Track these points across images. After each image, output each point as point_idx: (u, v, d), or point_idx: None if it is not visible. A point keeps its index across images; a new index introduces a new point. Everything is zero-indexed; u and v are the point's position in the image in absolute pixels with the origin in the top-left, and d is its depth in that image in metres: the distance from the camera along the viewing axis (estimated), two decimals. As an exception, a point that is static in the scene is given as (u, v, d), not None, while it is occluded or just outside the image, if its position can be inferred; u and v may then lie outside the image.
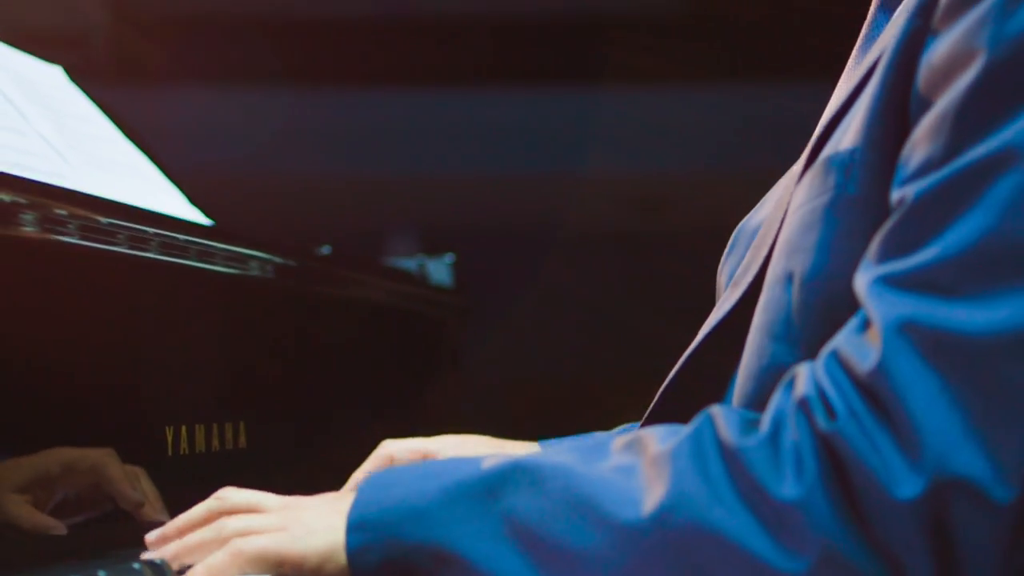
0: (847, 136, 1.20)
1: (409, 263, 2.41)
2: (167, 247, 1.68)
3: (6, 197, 1.39)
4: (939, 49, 1.11)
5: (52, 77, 2.07)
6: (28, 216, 1.43)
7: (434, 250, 2.42)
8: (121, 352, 1.59)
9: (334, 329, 2.13)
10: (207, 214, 2.13)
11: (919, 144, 1.10)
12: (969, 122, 1.06)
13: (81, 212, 1.51)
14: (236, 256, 1.85)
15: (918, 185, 1.08)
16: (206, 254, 1.77)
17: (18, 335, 1.41)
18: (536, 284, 3.90)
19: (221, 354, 1.83)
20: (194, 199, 2.11)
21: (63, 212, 1.48)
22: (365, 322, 2.21)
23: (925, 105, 1.11)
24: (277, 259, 1.95)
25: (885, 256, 1.09)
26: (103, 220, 1.54)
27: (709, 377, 1.30)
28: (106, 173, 1.90)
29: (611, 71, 4.61)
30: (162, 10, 7.58)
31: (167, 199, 2.03)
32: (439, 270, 2.39)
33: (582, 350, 4.00)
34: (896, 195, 1.10)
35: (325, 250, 2.27)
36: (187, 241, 1.71)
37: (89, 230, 1.53)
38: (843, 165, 1.18)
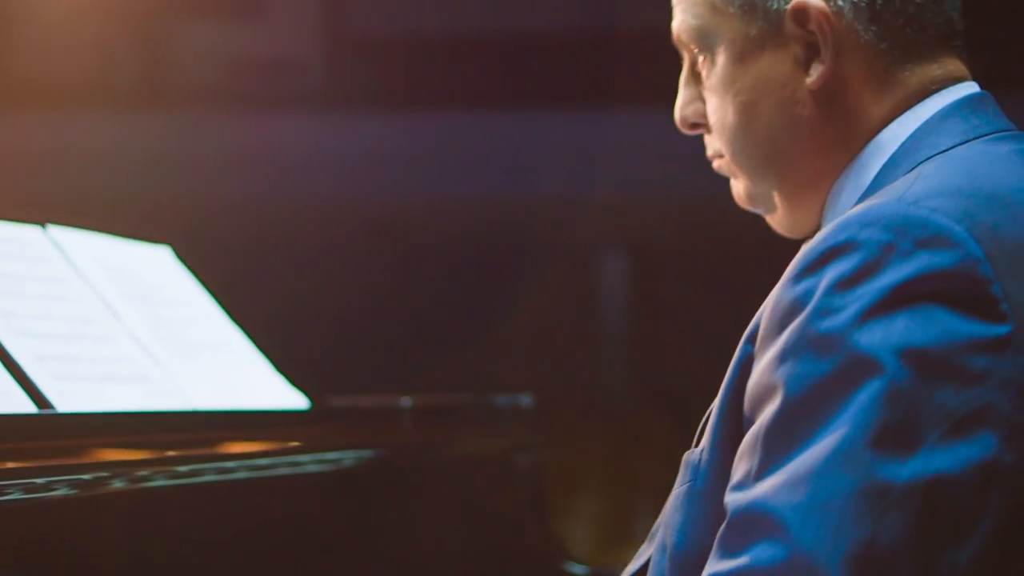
0: (704, 436, 1.43)
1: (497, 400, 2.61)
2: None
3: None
4: (755, 376, 1.33)
5: (156, 261, 2.33)
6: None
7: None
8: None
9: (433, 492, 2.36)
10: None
11: (740, 459, 1.31)
12: (772, 449, 1.27)
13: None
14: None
15: (735, 500, 1.29)
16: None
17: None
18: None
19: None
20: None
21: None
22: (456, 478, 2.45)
23: (750, 422, 1.33)
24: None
25: (716, 560, 1.29)
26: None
27: None
28: (194, 359, 2.16)
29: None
30: (376, 35, 7.89)
31: (256, 373, 2.29)
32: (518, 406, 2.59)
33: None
34: (725, 501, 1.31)
35: (406, 402, 2.50)
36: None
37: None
38: (695, 463, 1.41)
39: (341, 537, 2.17)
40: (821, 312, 1.28)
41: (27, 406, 1.83)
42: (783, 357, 1.29)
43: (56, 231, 2.15)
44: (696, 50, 1.59)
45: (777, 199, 1.59)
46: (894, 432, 1.24)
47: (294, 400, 2.32)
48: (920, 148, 1.49)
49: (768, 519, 1.25)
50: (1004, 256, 1.31)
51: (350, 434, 2.30)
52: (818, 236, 1.34)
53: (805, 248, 1.35)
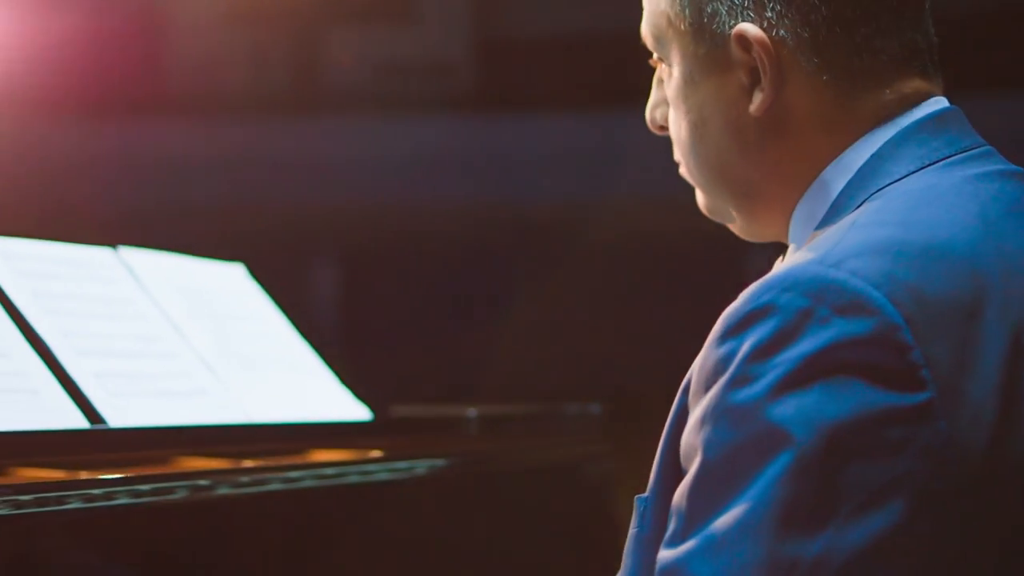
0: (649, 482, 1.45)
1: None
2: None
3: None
4: (685, 432, 1.34)
5: (228, 278, 2.45)
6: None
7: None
8: None
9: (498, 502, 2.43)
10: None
11: (672, 515, 1.33)
12: (693, 511, 1.29)
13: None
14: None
15: (663, 557, 1.31)
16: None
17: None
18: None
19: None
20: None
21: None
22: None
23: (685, 473, 1.34)
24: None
25: None
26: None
27: None
28: (256, 373, 2.26)
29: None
30: (527, 37, 7.95)
31: (319, 386, 2.39)
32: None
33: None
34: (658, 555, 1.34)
35: (471, 413, 2.57)
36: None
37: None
38: (641, 509, 1.43)
39: (402, 548, 2.25)
40: (738, 380, 1.29)
41: (79, 421, 1.94)
42: (703, 420, 1.31)
43: (127, 252, 2.27)
44: (658, 56, 1.59)
45: (735, 213, 1.58)
46: (802, 507, 1.25)
47: (356, 411, 2.41)
48: (875, 176, 1.47)
49: None
50: (927, 317, 1.30)
51: (410, 445, 2.38)
52: (742, 296, 1.34)
53: (730, 308, 1.34)
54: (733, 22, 1.50)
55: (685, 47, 1.54)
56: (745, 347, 1.29)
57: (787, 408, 1.26)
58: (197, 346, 2.21)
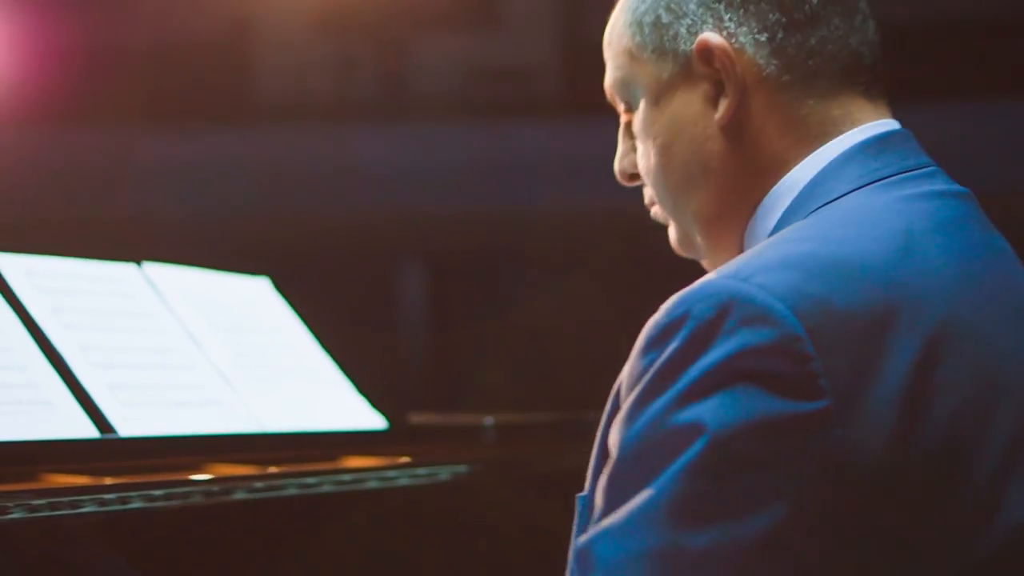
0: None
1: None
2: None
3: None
4: (611, 432, 1.43)
5: (252, 291, 2.55)
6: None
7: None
8: None
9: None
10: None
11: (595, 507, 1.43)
12: (607, 501, 1.39)
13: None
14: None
15: (577, 543, 1.42)
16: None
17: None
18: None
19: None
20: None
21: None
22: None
23: None
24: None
25: None
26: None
27: None
28: (271, 382, 2.36)
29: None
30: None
31: (335, 394, 2.48)
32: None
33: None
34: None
35: (488, 421, 2.65)
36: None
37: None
38: (580, 508, 1.51)
39: (423, 552, 2.33)
40: (654, 389, 1.38)
41: (90, 431, 2.05)
42: (623, 423, 1.40)
43: (150, 268, 2.38)
44: (624, 103, 1.68)
45: (699, 239, 1.66)
46: (696, 503, 1.34)
47: (372, 420, 2.50)
48: (816, 195, 1.55)
49: (591, 562, 1.38)
50: (833, 329, 1.37)
51: (422, 454, 2.46)
52: (663, 307, 1.42)
53: (652, 319, 1.43)
54: (693, 38, 1.60)
55: (649, 75, 1.64)
56: (662, 358, 1.39)
57: (692, 413, 1.35)
58: (214, 358, 2.31)
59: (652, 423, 1.37)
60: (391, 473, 2.34)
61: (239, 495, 2.11)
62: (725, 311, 1.37)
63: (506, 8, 8.46)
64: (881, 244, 1.45)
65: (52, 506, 1.85)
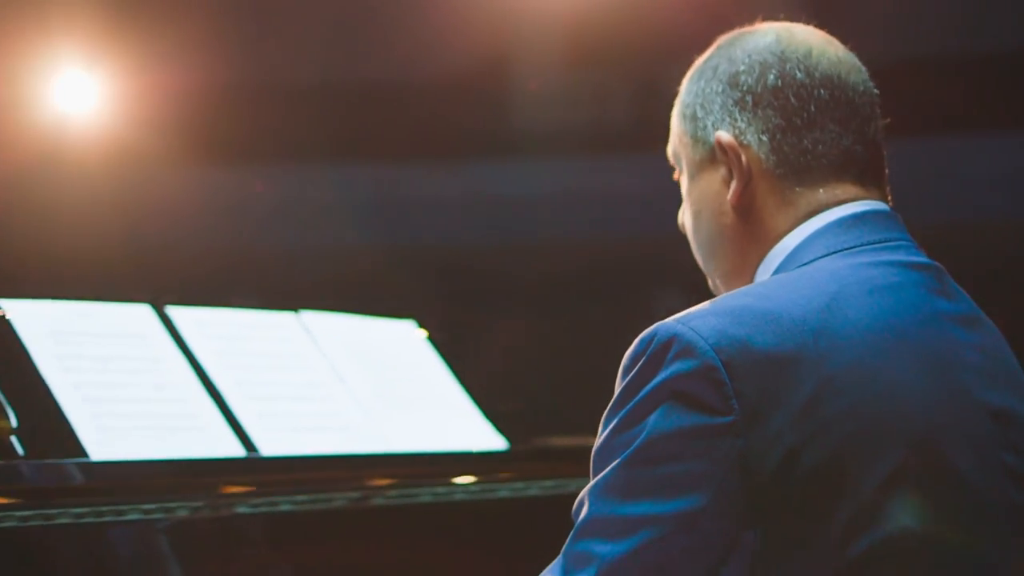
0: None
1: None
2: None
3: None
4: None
5: (397, 332, 3.03)
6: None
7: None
8: None
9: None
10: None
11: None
12: (592, 471, 1.82)
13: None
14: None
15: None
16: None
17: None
18: None
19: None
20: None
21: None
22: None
23: None
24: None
25: None
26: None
27: None
28: (404, 412, 2.84)
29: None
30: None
31: (463, 422, 2.93)
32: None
33: None
34: None
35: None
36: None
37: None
38: (576, 510, 1.88)
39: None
40: (619, 405, 1.82)
41: (239, 450, 2.56)
42: (600, 426, 1.83)
43: (307, 315, 2.88)
44: (677, 168, 2.11)
45: (720, 287, 2.08)
46: (632, 484, 1.77)
47: (493, 442, 2.95)
48: (795, 259, 1.95)
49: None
50: (748, 363, 1.78)
51: (530, 471, 2.88)
52: (636, 340, 1.83)
53: (628, 350, 1.84)
54: (715, 131, 2.02)
55: (688, 155, 2.07)
56: (627, 380, 1.82)
57: (640, 421, 1.78)
58: (354, 390, 2.80)
59: (615, 431, 1.80)
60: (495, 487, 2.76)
61: (377, 501, 2.61)
62: (667, 346, 1.80)
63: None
64: (808, 301, 1.84)
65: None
